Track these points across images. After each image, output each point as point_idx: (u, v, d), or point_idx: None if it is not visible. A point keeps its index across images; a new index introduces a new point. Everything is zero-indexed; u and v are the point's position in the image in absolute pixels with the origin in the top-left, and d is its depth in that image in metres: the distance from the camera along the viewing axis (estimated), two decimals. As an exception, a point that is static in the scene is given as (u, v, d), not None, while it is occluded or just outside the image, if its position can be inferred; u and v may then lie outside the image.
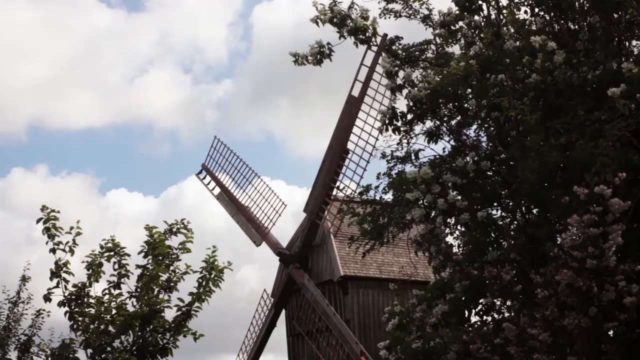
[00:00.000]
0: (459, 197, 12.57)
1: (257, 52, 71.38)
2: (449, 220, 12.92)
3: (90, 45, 71.38)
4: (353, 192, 21.21)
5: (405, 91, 13.63)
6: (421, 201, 12.90)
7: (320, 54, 14.68)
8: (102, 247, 15.84)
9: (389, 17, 18.20)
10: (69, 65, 71.32)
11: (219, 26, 77.00)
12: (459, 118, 14.25)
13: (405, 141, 14.63)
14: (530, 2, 14.41)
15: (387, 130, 13.87)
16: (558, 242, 12.01)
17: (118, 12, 79.96)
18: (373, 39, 14.98)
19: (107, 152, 75.29)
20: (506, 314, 13.15)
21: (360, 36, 14.69)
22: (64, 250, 15.62)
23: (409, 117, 13.74)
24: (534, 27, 14.12)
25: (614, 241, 10.83)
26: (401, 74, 13.80)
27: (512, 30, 14.41)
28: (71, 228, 15.65)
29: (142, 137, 76.38)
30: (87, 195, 73.58)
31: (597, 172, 11.05)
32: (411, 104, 13.38)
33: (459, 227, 13.51)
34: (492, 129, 14.10)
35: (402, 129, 13.95)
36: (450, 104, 13.70)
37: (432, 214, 12.84)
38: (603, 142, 11.28)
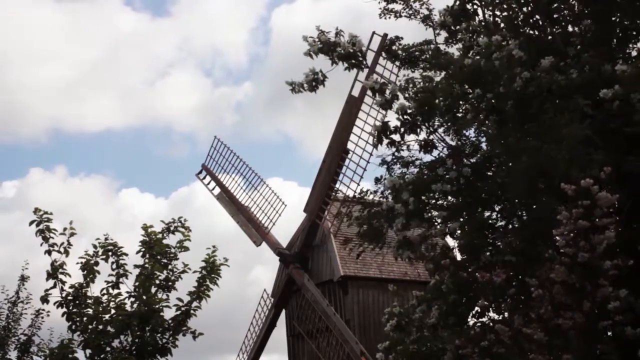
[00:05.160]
0: (413, 199, 12.75)
1: (275, 55, 71.55)
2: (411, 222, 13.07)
3: (113, 48, 71.90)
4: (354, 193, 21.24)
5: (395, 105, 13.65)
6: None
7: (315, 81, 14.79)
8: (95, 246, 15.85)
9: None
10: (91, 67, 71.81)
11: (241, 31, 77.32)
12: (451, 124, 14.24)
13: (401, 151, 14.68)
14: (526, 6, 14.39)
15: (380, 143, 13.93)
16: (552, 243, 12.02)
17: (142, 16, 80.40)
18: (363, 62, 15.02)
19: (125, 154, 75.60)
20: (502, 316, 13.16)
21: (352, 61, 14.77)
22: (59, 251, 15.62)
23: (402, 129, 13.77)
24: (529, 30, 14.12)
25: (605, 236, 10.88)
26: (387, 91, 13.80)
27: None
28: (65, 229, 15.66)
29: (160, 139, 76.70)
30: (105, 197, 73.85)
31: (583, 168, 11.08)
32: (401, 117, 13.44)
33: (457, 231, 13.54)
34: (490, 131, 14.08)
35: (396, 141, 13.98)
36: (439, 118, 13.73)
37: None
38: (565, 146, 11.27)
